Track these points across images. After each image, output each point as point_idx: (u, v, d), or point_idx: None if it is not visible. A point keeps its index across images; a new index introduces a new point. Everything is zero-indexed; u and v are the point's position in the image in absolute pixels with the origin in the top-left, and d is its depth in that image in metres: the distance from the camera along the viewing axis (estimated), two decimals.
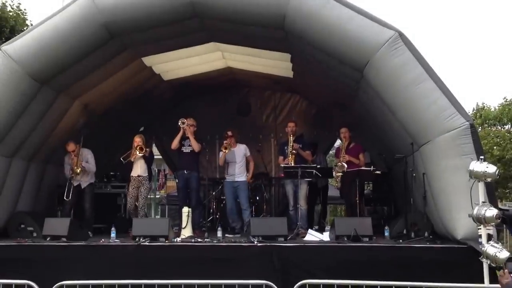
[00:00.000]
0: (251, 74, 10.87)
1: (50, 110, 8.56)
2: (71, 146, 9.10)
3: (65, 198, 9.06)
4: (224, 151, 8.97)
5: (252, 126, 12.06)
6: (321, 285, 5.66)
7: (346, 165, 8.76)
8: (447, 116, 6.99)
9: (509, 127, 29.14)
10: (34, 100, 8.04)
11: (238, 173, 9.01)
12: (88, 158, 9.23)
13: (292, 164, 8.66)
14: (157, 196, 19.81)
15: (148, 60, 9.31)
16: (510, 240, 14.06)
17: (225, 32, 8.46)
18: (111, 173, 10.62)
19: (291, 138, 8.94)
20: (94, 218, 9.26)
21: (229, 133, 9.16)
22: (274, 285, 5.65)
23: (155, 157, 10.86)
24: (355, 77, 7.85)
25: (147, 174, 9.25)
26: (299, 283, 5.60)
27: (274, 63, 9.79)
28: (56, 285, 5.74)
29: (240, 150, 9.16)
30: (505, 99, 28.96)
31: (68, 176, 9.17)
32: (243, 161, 9.13)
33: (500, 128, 28.57)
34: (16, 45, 7.71)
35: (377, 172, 8.75)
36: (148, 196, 10.16)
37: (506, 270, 2.96)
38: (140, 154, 9.02)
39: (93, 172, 9.31)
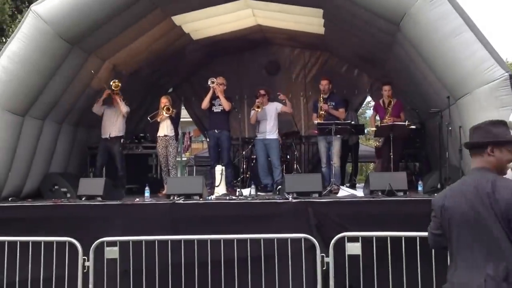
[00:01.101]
0: (281, 31, 10.67)
1: (80, 71, 8.56)
2: (116, 83, 9.09)
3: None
4: (256, 109, 8.89)
5: (281, 85, 11.92)
6: (360, 237, 5.64)
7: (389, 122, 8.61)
8: (486, 67, 6.74)
9: None
10: (65, 62, 8.02)
11: (270, 131, 8.95)
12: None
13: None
14: (183, 159, 19.95)
15: (178, 19, 9.20)
16: None
17: None
18: (141, 134, 10.67)
19: (321, 98, 8.79)
20: (126, 178, 9.31)
21: (262, 91, 9.10)
22: (312, 238, 5.64)
23: (181, 119, 10.85)
24: (391, 31, 7.63)
25: (173, 134, 9.25)
26: (338, 235, 5.58)
27: (306, 19, 9.58)
28: (97, 242, 5.83)
29: (272, 108, 9.09)
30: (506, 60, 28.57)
31: (97, 109, 9.25)
32: (275, 119, 9.03)
33: None
34: (46, 5, 7.57)
35: (412, 126, 8.59)
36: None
37: None
38: (167, 115, 9.01)
39: (123, 122, 9.32)
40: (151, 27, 8.94)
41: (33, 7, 7.62)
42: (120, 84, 9.05)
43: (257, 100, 8.99)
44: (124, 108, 9.21)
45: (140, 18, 8.36)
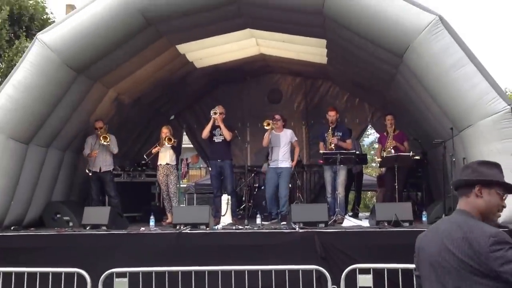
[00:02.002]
0: (284, 60, 10.83)
1: (85, 99, 8.62)
2: (99, 123, 9.18)
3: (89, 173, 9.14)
4: (267, 127, 8.80)
5: (283, 113, 12.00)
6: (371, 269, 5.65)
7: (393, 151, 8.71)
8: (489, 100, 6.90)
9: None
10: (70, 89, 8.10)
11: (282, 159, 8.87)
12: (112, 139, 9.30)
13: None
14: (182, 185, 19.88)
15: (182, 48, 9.32)
16: None
17: (262, 18, 8.41)
18: (143, 162, 10.69)
19: (330, 130, 8.79)
20: (120, 206, 9.25)
21: (277, 116, 9.09)
22: (323, 270, 5.65)
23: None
24: (394, 62, 7.77)
25: (175, 163, 9.30)
26: (350, 267, 5.60)
27: (309, 49, 9.74)
28: (106, 272, 5.79)
29: (286, 135, 9.04)
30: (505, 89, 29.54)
31: (85, 154, 9.26)
32: (287, 146, 8.98)
33: None
34: (52, 34, 7.68)
35: (416, 157, 8.69)
36: None
37: None
38: (169, 145, 9.06)
39: (112, 157, 9.36)
40: (156, 55, 9.05)
41: (39, 36, 7.70)
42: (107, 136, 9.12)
43: (269, 120, 8.90)
44: (115, 150, 9.28)
45: (145, 46, 8.48)
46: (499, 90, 7.01)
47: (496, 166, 2.62)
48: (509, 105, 6.92)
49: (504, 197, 2.56)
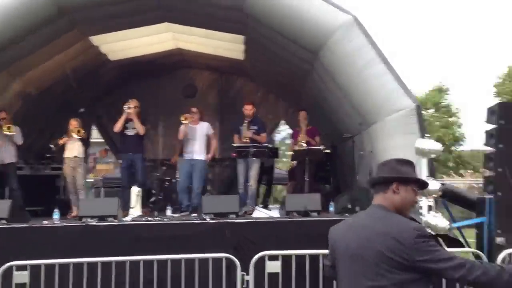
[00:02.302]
0: (201, 55, 10.77)
1: None
2: (3, 114, 8.68)
3: None
4: (184, 121, 8.66)
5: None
6: (280, 256, 5.74)
7: (305, 145, 8.86)
8: (396, 97, 7.25)
9: (433, 111, 31.70)
10: None
11: (197, 151, 8.74)
12: (17, 130, 8.83)
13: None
14: (89, 180, 19.27)
15: (96, 39, 9.05)
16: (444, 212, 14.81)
17: (181, 12, 8.30)
18: (47, 155, 10.20)
19: (246, 123, 8.78)
20: (22, 199, 8.72)
21: (194, 109, 8.95)
22: (233, 257, 5.65)
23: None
24: (310, 60, 7.97)
25: (83, 156, 8.98)
26: (259, 254, 5.64)
27: (226, 45, 9.75)
28: (5, 265, 5.45)
29: (203, 128, 8.92)
30: (432, 86, 31.53)
31: None
32: (203, 139, 8.86)
33: (425, 112, 30.62)
34: None
35: (327, 151, 8.93)
36: None
37: None
38: (78, 137, 8.73)
39: (16, 149, 8.89)
40: (68, 46, 8.74)
41: None
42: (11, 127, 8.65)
43: (186, 114, 8.77)
44: (19, 141, 8.83)
45: (57, 36, 8.15)
46: (406, 89, 7.38)
47: (411, 164, 2.77)
48: (414, 102, 7.32)
49: (417, 193, 2.72)
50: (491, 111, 6.98)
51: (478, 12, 69.27)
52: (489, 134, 6.98)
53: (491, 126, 6.96)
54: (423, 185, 2.78)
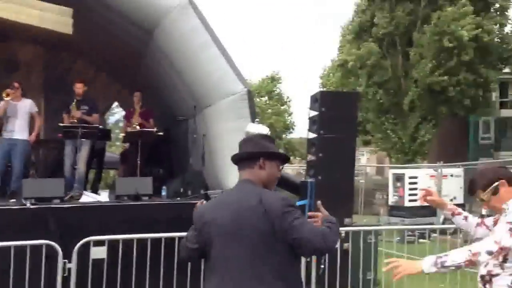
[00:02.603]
0: (23, 27, 9.77)
1: None
2: None
3: None
4: (6, 98, 7.82)
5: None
6: (106, 241, 5.51)
7: (139, 127, 8.58)
8: (228, 81, 7.39)
9: (266, 99, 34.02)
10: None
11: (18, 130, 7.97)
12: None
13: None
14: None
15: None
16: None
17: None
18: None
19: (75, 102, 8.20)
20: None
21: (16, 84, 8.08)
22: (55, 244, 5.29)
23: None
24: (144, 39, 7.80)
25: None
26: (83, 240, 5.37)
27: (53, 17, 8.94)
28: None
29: (25, 105, 8.13)
30: (266, 76, 33.40)
31: None
32: (26, 117, 8.11)
33: (259, 99, 32.23)
34: None
35: (160, 133, 8.80)
36: None
37: None
38: None
39: None
40: None
41: None
42: None
43: (8, 90, 7.91)
44: None
45: None
46: (238, 73, 7.56)
47: (273, 140, 2.89)
48: (245, 87, 7.52)
49: (280, 168, 2.79)
50: (314, 99, 7.43)
51: (311, 8, 74.10)
52: (312, 121, 7.44)
53: (314, 113, 7.42)
54: (285, 160, 2.86)
